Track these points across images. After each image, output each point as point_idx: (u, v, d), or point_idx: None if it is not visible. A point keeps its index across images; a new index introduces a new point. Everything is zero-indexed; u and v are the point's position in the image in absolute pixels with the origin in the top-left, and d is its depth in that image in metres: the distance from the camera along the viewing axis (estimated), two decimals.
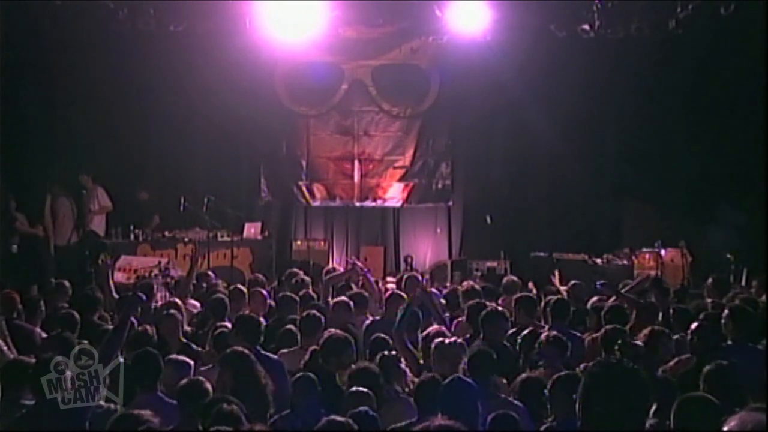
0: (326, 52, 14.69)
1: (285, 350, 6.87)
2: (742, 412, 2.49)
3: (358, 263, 10.09)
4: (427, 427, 3.08)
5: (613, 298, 8.28)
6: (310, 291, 9.03)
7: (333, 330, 6.51)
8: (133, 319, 6.21)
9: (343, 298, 8.08)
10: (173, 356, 6.18)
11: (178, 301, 8.15)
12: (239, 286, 9.02)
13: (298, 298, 8.36)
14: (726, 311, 6.74)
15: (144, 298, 6.71)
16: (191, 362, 6.17)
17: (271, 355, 6.48)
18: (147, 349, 5.86)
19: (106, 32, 13.23)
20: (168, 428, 4.76)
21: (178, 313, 7.46)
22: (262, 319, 7.26)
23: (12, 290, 8.22)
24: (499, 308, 7.55)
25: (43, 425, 4.85)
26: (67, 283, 9.17)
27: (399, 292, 8.59)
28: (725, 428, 2.45)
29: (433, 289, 10.40)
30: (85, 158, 13.54)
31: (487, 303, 7.78)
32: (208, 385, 5.09)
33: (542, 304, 8.10)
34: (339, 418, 4.38)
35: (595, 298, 8.62)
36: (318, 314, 7.18)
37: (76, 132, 13.60)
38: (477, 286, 9.21)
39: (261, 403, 5.16)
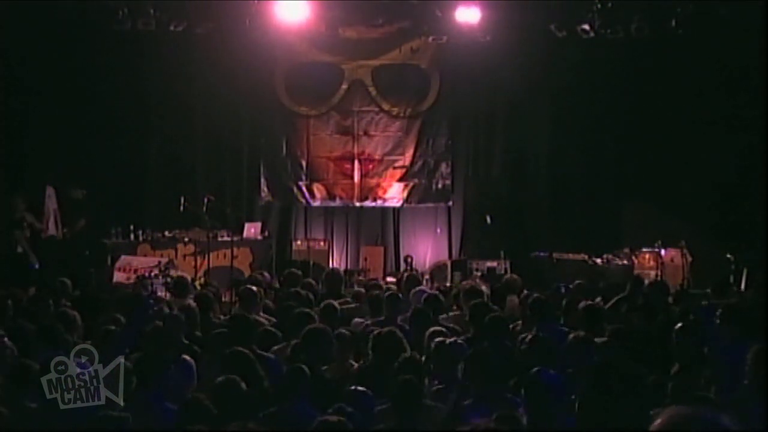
0: (326, 52, 14.69)
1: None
2: (671, 407, 2.46)
3: None
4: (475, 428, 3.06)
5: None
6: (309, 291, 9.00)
7: (314, 324, 6.49)
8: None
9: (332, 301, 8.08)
10: (180, 357, 6.18)
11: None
12: (250, 286, 8.99)
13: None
14: (720, 311, 6.71)
15: (151, 303, 6.73)
16: (193, 362, 6.18)
17: (268, 354, 6.47)
18: (151, 350, 5.86)
19: (106, 32, 13.23)
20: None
21: (180, 313, 7.45)
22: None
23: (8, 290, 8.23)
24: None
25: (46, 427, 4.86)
26: (68, 282, 9.16)
27: (396, 292, 8.62)
28: (656, 422, 2.42)
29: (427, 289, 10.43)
30: (84, 157, 13.54)
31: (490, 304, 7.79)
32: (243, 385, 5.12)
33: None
34: (332, 418, 4.36)
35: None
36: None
37: (76, 131, 13.61)
38: (479, 287, 9.20)
39: (261, 402, 5.18)
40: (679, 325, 6.50)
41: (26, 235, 12.16)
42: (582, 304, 7.49)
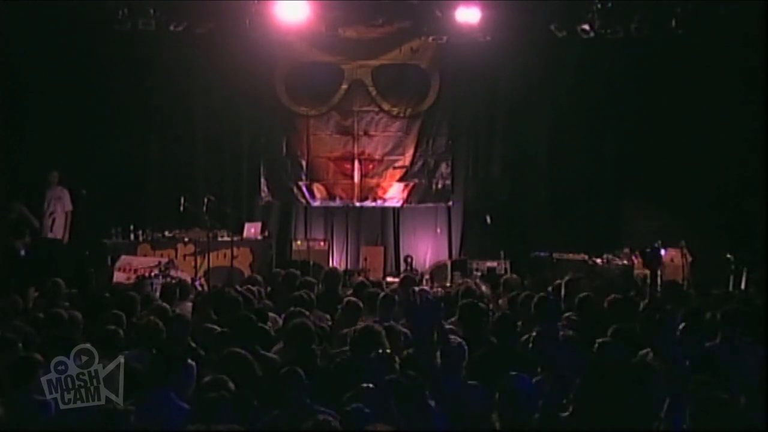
0: (326, 52, 14.70)
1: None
2: None
3: None
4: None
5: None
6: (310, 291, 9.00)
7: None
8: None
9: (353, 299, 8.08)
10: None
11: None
12: (250, 286, 9.00)
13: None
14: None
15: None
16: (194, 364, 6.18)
17: (270, 354, 6.47)
18: (168, 347, 5.86)
19: (106, 32, 13.24)
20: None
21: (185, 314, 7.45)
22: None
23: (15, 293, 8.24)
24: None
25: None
26: (62, 282, 9.15)
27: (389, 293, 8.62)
28: None
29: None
30: (84, 157, 13.54)
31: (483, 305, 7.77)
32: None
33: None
34: (324, 418, 4.35)
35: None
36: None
37: (76, 131, 13.61)
38: (475, 287, 9.20)
39: (259, 403, 5.18)
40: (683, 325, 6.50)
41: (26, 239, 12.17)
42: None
